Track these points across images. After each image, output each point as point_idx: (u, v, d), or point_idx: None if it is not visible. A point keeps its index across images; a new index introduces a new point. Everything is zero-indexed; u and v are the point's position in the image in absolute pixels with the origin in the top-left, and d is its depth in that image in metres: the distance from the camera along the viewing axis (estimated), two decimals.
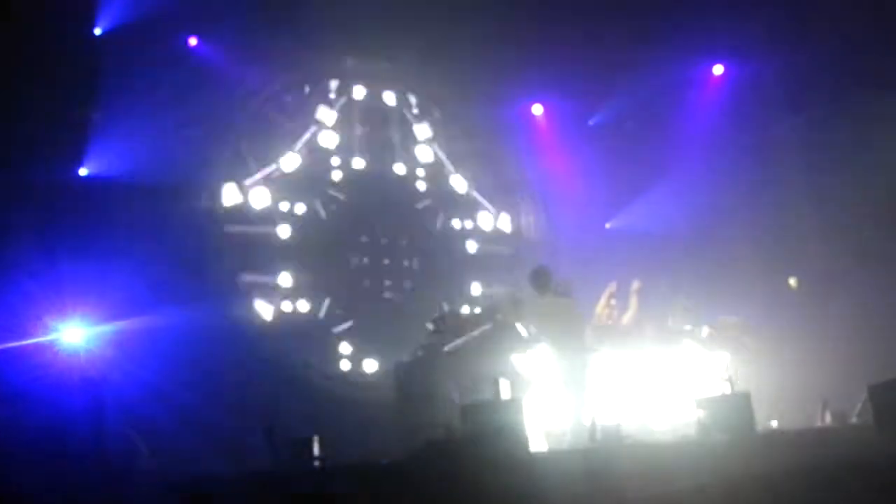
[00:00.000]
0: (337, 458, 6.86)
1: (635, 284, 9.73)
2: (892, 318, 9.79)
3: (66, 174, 9.26)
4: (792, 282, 11.83)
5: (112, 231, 9.08)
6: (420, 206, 12.11)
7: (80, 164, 9.47)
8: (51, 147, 8.96)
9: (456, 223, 12.34)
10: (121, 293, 8.42)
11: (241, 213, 10.65)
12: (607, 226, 13.04)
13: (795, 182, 11.72)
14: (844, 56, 10.65)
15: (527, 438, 6.51)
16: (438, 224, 12.19)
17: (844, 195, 11.03)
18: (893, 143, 10.44)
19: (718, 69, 12.51)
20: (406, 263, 11.83)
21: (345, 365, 10.87)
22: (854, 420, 8.11)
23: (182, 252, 9.47)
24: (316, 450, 6.65)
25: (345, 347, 10.96)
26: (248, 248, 10.64)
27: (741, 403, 7.02)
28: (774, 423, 8.66)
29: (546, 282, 8.13)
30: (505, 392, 7.12)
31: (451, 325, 9.00)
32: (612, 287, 9.56)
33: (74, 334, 8.43)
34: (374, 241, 11.68)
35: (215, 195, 10.45)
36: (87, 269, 8.46)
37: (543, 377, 8.21)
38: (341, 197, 11.54)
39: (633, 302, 9.64)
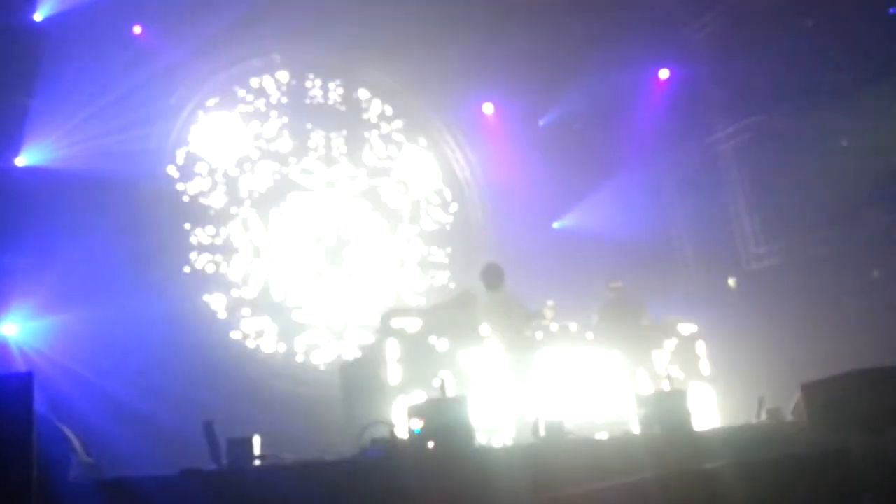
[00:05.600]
0: (280, 456, 6.75)
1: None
2: (824, 319, 10.05)
3: (4, 163, 8.96)
4: (731, 282, 12.08)
5: (50, 221, 8.81)
6: None
7: (17, 154, 9.17)
8: None
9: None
10: (58, 286, 8.18)
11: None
12: (554, 226, 13.17)
13: (736, 183, 11.98)
14: (784, 62, 10.92)
15: (472, 434, 6.52)
16: None
17: (782, 197, 11.31)
18: (837, 147, 10.67)
19: (664, 73, 12.76)
20: None
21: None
22: (789, 417, 8.32)
23: (123, 243, 9.24)
24: (257, 449, 6.53)
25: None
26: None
27: (679, 400, 7.14)
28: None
29: (498, 279, 8.16)
30: (450, 388, 7.11)
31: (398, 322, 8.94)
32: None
33: (8, 328, 8.17)
34: None
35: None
36: (24, 261, 8.20)
37: (489, 373, 8.24)
38: None
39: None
